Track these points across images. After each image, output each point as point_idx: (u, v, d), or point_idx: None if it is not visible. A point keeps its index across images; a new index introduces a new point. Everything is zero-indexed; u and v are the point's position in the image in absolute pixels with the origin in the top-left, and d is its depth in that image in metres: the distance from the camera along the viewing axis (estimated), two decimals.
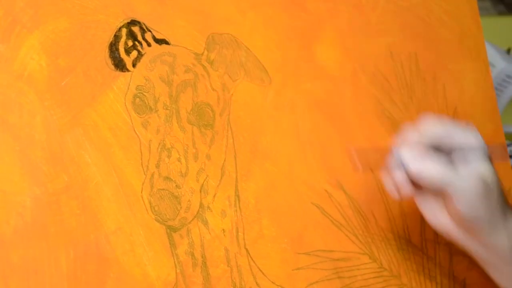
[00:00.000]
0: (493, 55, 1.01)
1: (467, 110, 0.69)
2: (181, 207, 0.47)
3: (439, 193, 0.49)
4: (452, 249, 0.62)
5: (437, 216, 0.51)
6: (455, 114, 0.67)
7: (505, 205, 0.50)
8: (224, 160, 0.50)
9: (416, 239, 0.60)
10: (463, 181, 0.47)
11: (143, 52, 0.48)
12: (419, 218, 0.60)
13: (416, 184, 0.50)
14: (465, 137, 0.49)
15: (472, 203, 0.48)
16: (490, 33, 0.79)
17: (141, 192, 0.46)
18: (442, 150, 0.49)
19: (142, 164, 0.46)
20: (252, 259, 0.49)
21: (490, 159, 0.49)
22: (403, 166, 0.48)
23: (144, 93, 0.47)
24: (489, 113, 0.71)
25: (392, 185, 0.50)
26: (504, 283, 0.52)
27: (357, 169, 0.49)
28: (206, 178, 0.49)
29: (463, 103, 0.68)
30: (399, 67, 0.64)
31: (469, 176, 0.48)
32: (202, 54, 0.51)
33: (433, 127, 0.50)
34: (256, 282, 0.49)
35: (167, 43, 0.49)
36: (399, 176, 0.49)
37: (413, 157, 0.48)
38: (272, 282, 0.50)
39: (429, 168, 0.48)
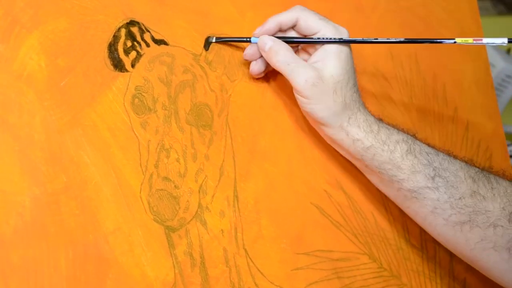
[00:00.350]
0: (493, 55, 1.01)
1: (467, 110, 0.69)
2: (179, 208, 0.47)
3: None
4: None
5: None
6: (455, 114, 0.67)
7: (350, 105, 0.50)
8: (223, 161, 0.50)
9: (416, 239, 0.60)
10: (299, 73, 0.49)
11: (142, 52, 0.48)
12: None
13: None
14: (329, 31, 0.51)
15: (302, 98, 0.50)
16: (490, 33, 0.79)
17: (140, 193, 0.46)
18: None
19: (141, 164, 0.46)
20: (251, 260, 0.49)
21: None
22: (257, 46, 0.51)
23: (143, 94, 0.48)
24: (489, 113, 0.71)
25: (251, 65, 0.52)
26: (368, 178, 0.54)
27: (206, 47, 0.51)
28: (205, 178, 0.49)
29: (463, 103, 0.68)
30: (399, 67, 0.64)
31: (308, 70, 0.49)
32: (201, 54, 0.51)
33: (298, 16, 0.51)
34: (255, 283, 0.49)
35: (165, 43, 0.49)
36: (251, 53, 0.51)
37: (270, 39, 0.50)
38: (271, 283, 0.50)
39: (276, 50, 0.50)
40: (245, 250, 0.49)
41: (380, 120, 0.52)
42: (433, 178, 0.50)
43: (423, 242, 0.60)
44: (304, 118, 0.55)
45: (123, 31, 0.47)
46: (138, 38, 0.48)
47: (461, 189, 0.49)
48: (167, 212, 0.46)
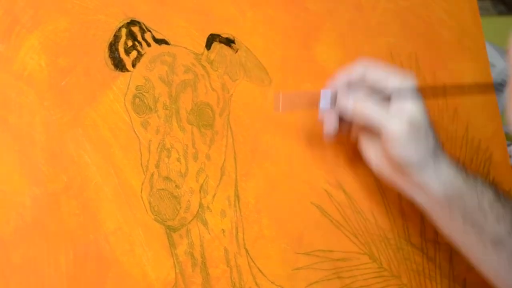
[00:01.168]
0: (493, 55, 1.01)
1: (467, 110, 0.68)
2: (180, 207, 0.47)
3: (376, 133, 0.51)
4: (453, 249, 0.62)
5: (374, 156, 0.53)
6: (455, 114, 0.67)
7: (436, 147, 0.51)
8: (224, 160, 0.50)
9: (416, 239, 0.60)
10: (393, 122, 0.49)
11: (142, 52, 0.48)
12: (419, 218, 0.60)
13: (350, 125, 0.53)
14: (398, 80, 0.51)
15: (399, 144, 0.50)
16: (490, 33, 0.79)
17: (141, 192, 0.45)
18: (378, 94, 0.51)
19: (141, 164, 0.46)
20: (251, 259, 0.49)
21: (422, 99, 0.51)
22: (333, 105, 0.51)
23: (144, 93, 0.47)
24: (489, 113, 0.71)
25: (325, 125, 0.52)
26: (442, 227, 0.53)
27: (277, 109, 0.51)
28: (206, 178, 0.49)
29: (463, 103, 0.68)
30: (399, 67, 0.64)
31: (399, 117, 0.49)
32: (202, 54, 0.51)
33: (365, 70, 0.52)
34: (256, 282, 0.49)
35: (166, 43, 0.49)
36: (329, 116, 0.52)
37: (348, 95, 0.51)
38: (272, 282, 0.50)
39: (363, 106, 0.50)
40: (246, 250, 0.49)
41: (462, 164, 0.52)
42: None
43: (423, 242, 0.60)
44: (303, 118, 0.55)
45: (123, 31, 0.47)
46: (139, 37, 0.48)
47: None
48: (168, 212, 0.46)
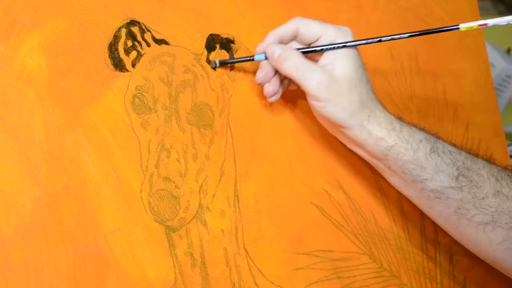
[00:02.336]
0: (493, 55, 1.01)
1: (467, 110, 0.69)
2: (180, 207, 0.47)
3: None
4: (452, 249, 0.62)
5: (315, 114, 0.52)
6: (455, 114, 0.67)
7: (368, 104, 0.49)
8: (224, 160, 0.50)
9: (416, 239, 0.60)
10: (312, 75, 0.48)
11: (142, 52, 0.48)
12: (419, 218, 0.60)
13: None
14: (332, 34, 0.49)
15: (317, 98, 0.49)
16: (490, 33, 0.79)
17: (140, 192, 0.45)
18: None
19: (141, 164, 0.46)
20: (251, 259, 0.49)
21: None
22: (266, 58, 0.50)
23: (144, 93, 0.47)
24: (489, 113, 0.71)
25: (261, 82, 0.51)
26: (388, 180, 0.53)
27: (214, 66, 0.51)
28: (205, 178, 0.49)
29: (463, 103, 0.68)
30: (399, 67, 0.64)
31: (320, 71, 0.48)
32: (202, 54, 0.51)
33: (298, 26, 0.50)
34: (255, 283, 0.49)
35: (166, 43, 0.49)
36: (263, 74, 0.50)
37: (278, 47, 0.50)
38: (271, 283, 0.50)
39: (287, 56, 0.49)
40: (246, 250, 0.49)
41: (401, 118, 0.51)
42: (456, 177, 0.49)
43: (423, 242, 0.60)
44: (303, 118, 0.55)
45: (123, 31, 0.47)
46: (139, 37, 0.48)
47: (485, 188, 0.48)
48: (168, 212, 0.46)
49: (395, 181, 0.52)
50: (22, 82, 0.43)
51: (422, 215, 0.60)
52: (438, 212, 0.51)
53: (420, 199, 0.52)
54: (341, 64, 0.49)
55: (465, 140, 0.68)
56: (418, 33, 0.51)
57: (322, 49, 0.50)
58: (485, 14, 1.16)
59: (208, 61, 0.51)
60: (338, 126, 0.50)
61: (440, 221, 0.52)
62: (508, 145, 0.87)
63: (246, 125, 0.52)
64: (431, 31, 0.51)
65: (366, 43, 0.50)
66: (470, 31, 0.70)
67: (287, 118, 0.55)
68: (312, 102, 0.49)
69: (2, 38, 0.42)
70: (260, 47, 0.51)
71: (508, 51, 1.11)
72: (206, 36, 0.52)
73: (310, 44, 0.51)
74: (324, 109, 0.49)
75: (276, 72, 0.51)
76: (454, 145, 0.51)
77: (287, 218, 0.53)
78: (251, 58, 0.51)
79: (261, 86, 0.53)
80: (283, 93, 0.54)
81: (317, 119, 0.53)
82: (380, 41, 0.51)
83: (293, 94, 0.55)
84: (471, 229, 0.49)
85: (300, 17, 0.51)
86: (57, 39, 0.44)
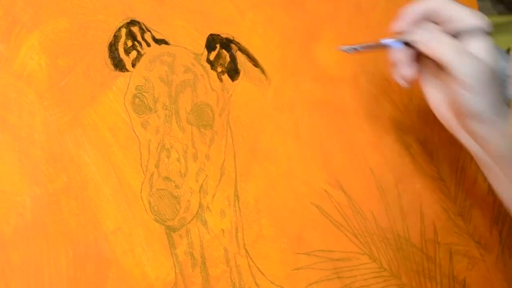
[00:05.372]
0: None
1: None
2: (180, 207, 0.47)
3: (443, 76, 0.47)
4: (452, 249, 0.62)
5: (435, 97, 0.49)
6: None
7: (505, 100, 0.47)
8: (224, 160, 0.50)
9: (416, 239, 0.60)
10: (467, 62, 0.45)
11: (142, 52, 0.48)
12: (419, 218, 0.60)
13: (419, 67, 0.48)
14: (475, 19, 0.46)
15: (469, 88, 0.45)
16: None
17: (141, 192, 0.46)
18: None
19: (141, 164, 0.46)
20: (251, 259, 0.49)
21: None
22: (404, 45, 0.47)
23: (144, 93, 0.48)
24: None
25: (396, 71, 0.48)
26: (499, 188, 0.50)
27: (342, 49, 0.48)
28: (206, 178, 0.49)
29: None
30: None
31: (474, 59, 0.45)
32: (202, 54, 0.51)
33: (438, 5, 0.47)
34: (256, 282, 0.49)
35: (166, 43, 0.49)
36: (402, 56, 0.47)
37: (422, 30, 0.46)
38: (272, 282, 0.50)
39: (438, 38, 0.46)
40: (246, 250, 0.49)
41: None
42: None
43: (423, 242, 0.60)
44: (303, 118, 0.55)
45: (123, 31, 0.48)
46: (139, 37, 0.48)
47: None
48: (168, 212, 0.46)
49: (503, 188, 0.49)
50: (22, 82, 0.43)
51: (422, 215, 0.60)
52: None
53: None
54: (490, 53, 0.46)
55: None
56: None
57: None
58: (485, 14, 1.16)
59: (209, 61, 0.51)
60: (471, 118, 0.47)
61: None
62: None
63: (246, 125, 0.52)
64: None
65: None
66: None
67: (287, 118, 0.55)
68: (458, 90, 0.46)
69: (2, 38, 0.42)
70: (400, 26, 0.48)
71: (508, 50, 1.11)
72: (206, 36, 0.52)
73: (445, 26, 0.48)
74: (469, 98, 0.46)
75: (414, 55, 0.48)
76: None
77: (287, 218, 0.53)
78: (381, 44, 0.48)
79: (260, 86, 0.53)
80: (282, 93, 0.53)
81: (437, 108, 0.50)
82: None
83: (292, 94, 0.55)
84: None
85: None
86: (57, 39, 0.44)
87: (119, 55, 0.47)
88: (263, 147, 0.53)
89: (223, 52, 0.52)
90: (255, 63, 0.54)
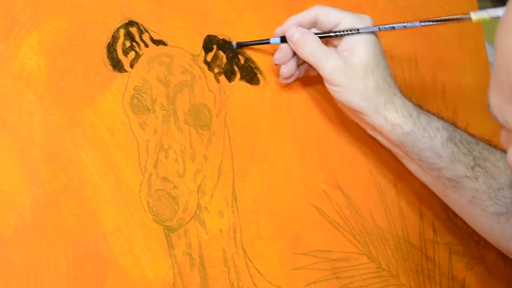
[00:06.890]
0: (493, 55, 1.00)
1: (467, 110, 0.68)
2: (178, 208, 0.47)
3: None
4: (452, 249, 0.62)
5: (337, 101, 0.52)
6: (455, 114, 0.67)
7: (386, 90, 0.50)
8: (221, 161, 0.50)
9: (415, 239, 0.60)
10: (329, 60, 0.49)
11: (140, 52, 0.48)
12: (418, 218, 0.60)
13: None
14: (351, 20, 0.50)
15: (333, 83, 0.49)
16: (490, 33, 0.79)
17: (139, 193, 0.46)
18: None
19: (140, 165, 0.46)
20: (249, 260, 0.49)
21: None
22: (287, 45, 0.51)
23: (142, 94, 0.48)
24: (489, 113, 0.71)
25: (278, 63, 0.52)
26: (406, 166, 0.53)
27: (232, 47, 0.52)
28: (203, 178, 0.49)
29: (463, 103, 0.68)
30: (398, 67, 0.64)
31: (337, 56, 0.49)
32: (199, 55, 0.51)
33: (318, 13, 0.51)
34: (254, 283, 0.49)
35: (164, 44, 0.50)
36: (281, 55, 0.51)
37: (297, 30, 0.50)
38: (270, 283, 0.50)
39: (305, 40, 0.49)
40: (244, 250, 0.50)
41: (419, 106, 0.51)
42: (472, 167, 0.49)
43: (422, 242, 0.60)
44: (301, 118, 0.55)
45: (122, 32, 0.48)
46: (137, 38, 0.48)
47: (500, 180, 0.49)
48: (166, 212, 0.46)
49: (412, 167, 0.53)
50: (22, 82, 0.43)
51: (421, 215, 0.60)
52: (453, 200, 0.52)
53: (436, 186, 0.52)
54: (358, 50, 0.49)
55: None
56: (430, 22, 0.51)
57: (336, 35, 0.50)
58: None
59: (207, 62, 0.52)
60: (354, 111, 0.51)
61: (456, 209, 0.53)
62: None
63: (244, 125, 0.53)
64: (443, 19, 0.51)
65: (378, 30, 0.51)
66: (469, 30, 0.70)
67: (284, 119, 0.55)
68: (329, 87, 0.50)
69: (2, 38, 0.43)
70: (279, 30, 0.52)
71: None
72: (204, 37, 0.52)
73: (329, 31, 0.51)
74: (340, 94, 0.49)
75: (294, 55, 0.52)
76: (473, 135, 0.52)
77: (285, 219, 0.53)
78: (267, 41, 0.52)
79: (261, 86, 0.53)
80: (279, 94, 0.54)
81: (338, 105, 0.53)
82: (393, 28, 0.51)
83: (289, 94, 0.55)
84: (485, 219, 0.50)
85: (319, 5, 0.52)
86: (56, 40, 0.45)
87: (117, 55, 0.47)
88: (260, 147, 0.53)
89: (220, 53, 0.52)
90: (252, 64, 0.54)
